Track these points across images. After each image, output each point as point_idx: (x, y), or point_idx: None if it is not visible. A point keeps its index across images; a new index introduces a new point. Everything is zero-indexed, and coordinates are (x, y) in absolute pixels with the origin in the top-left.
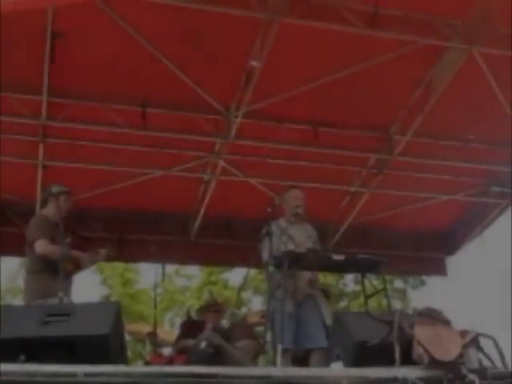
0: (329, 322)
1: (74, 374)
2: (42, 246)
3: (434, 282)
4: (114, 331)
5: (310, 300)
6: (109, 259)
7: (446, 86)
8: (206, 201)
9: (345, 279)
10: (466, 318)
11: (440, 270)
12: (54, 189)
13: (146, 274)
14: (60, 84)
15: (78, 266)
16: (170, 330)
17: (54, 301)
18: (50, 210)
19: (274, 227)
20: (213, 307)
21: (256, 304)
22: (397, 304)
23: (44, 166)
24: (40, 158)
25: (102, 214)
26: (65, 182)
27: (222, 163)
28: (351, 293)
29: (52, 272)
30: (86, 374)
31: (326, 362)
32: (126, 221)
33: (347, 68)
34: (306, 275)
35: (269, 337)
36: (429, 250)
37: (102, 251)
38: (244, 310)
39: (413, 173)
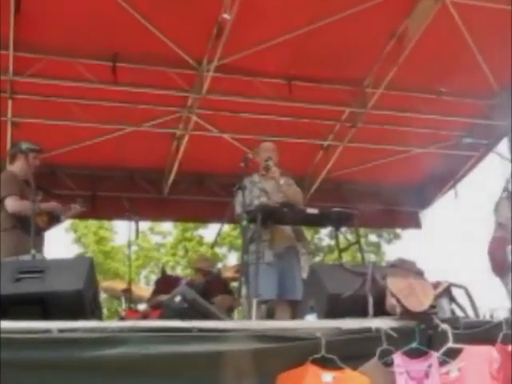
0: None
1: (49, 330)
2: (12, 203)
3: (408, 235)
4: (88, 287)
5: (292, 252)
6: (81, 215)
7: (419, 37)
8: (179, 156)
9: (320, 234)
10: (439, 270)
11: (414, 223)
12: (23, 145)
13: (121, 231)
14: (27, 38)
15: (51, 221)
16: (145, 287)
17: (26, 258)
18: (18, 167)
19: (247, 182)
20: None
21: (231, 260)
22: (371, 258)
23: (13, 123)
24: (9, 115)
25: (74, 171)
26: (35, 138)
27: (194, 118)
28: (326, 247)
29: (23, 229)
30: (60, 330)
31: (300, 314)
32: (98, 178)
33: (320, 20)
34: (286, 226)
35: (244, 291)
36: (403, 203)
37: (74, 206)
38: (220, 265)
39: (386, 126)
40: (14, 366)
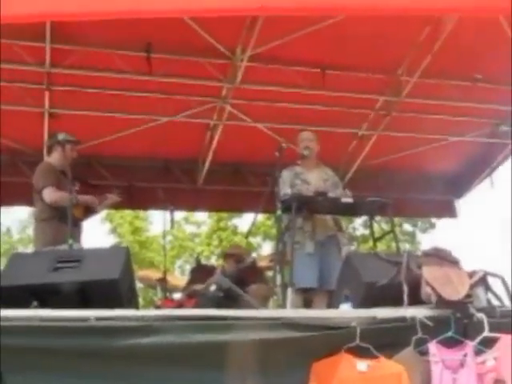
0: None
1: (86, 319)
2: (50, 194)
3: (443, 224)
4: (124, 276)
5: (333, 241)
6: (117, 205)
7: (454, 24)
8: (213, 146)
9: (354, 223)
10: (475, 259)
11: (449, 212)
12: (60, 136)
13: (156, 221)
14: (63, 29)
15: (88, 212)
16: (180, 277)
17: (63, 247)
18: (55, 158)
19: (286, 172)
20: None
21: (266, 250)
22: (406, 247)
23: (50, 114)
24: (46, 106)
25: (109, 162)
26: (72, 129)
27: (228, 108)
28: (361, 236)
29: (61, 219)
30: (98, 318)
31: (335, 303)
32: (134, 168)
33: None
34: (327, 216)
35: (279, 280)
36: (438, 192)
37: (110, 196)
38: (254, 255)
39: (421, 114)
40: (53, 353)
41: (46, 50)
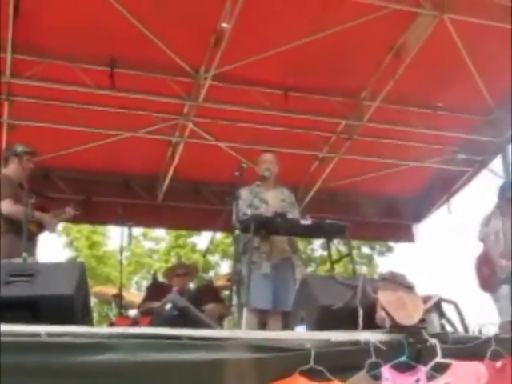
0: None
1: (37, 334)
2: (7, 206)
3: (400, 248)
4: (79, 292)
5: (288, 263)
6: (74, 219)
7: (417, 52)
8: (174, 163)
9: (313, 245)
10: (429, 284)
11: (407, 236)
12: (18, 148)
13: (114, 236)
14: (26, 41)
15: (43, 226)
16: (136, 293)
17: (17, 261)
18: (12, 169)
19: (245, 191)
20: (180, 270)
21: (224, 268)
22: (364, 270)
23: (9, 125)
24: (5, 117)
25: (69, 175)
26: (30, 141)
27: (190, 126)
28: (319, 258)
29: (16, 232)
30: (49, 334)
31: (291, 325)
32: (93, 182)
33: (318, 32)
34: (282, 238)
35: (235, 300)
36: (396, 216)
37: (67, 209)
38: (212, 273)
39: (382, 139)
40: (1, 369)
41: (7, 60)
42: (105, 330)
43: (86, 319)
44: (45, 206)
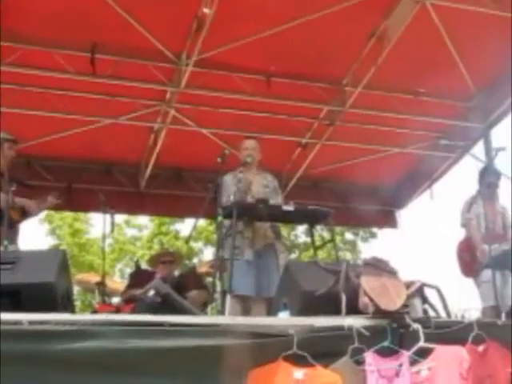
0: None
1: (19, 322)
2: None
3: (384, 234)
4: (60, 279)
5: (271, 249)
6: (56, 207)
7: (399, 38)
8: (157, 150)
9: (296, 231)
10: (412, 270)
11: (390, 222)
12: (4, 137)
13: (97, 224)
14: (5, 27)
15: (24, 214)
16: (119, 281)
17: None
18: None
19: (229, 177)
20: (163, 257)
21: (207, 255)
22: (347, 256)
23: None
24: None
25: (50, 163)
26: (11, 128)
27: (172, 112)
28: (302, 244)
29: None
30: (31, 322)
31: (274, 311)
32: (75, 170)
33: (300, 17)
34: (265, 224)
35: (218, 286)
36: (379, 202)
37: (49, 198)
38: (195, 260)
39: (364, 125)
40: None
41: None
42: (87, 317)
43: (68, 307)
44: (27, 195)
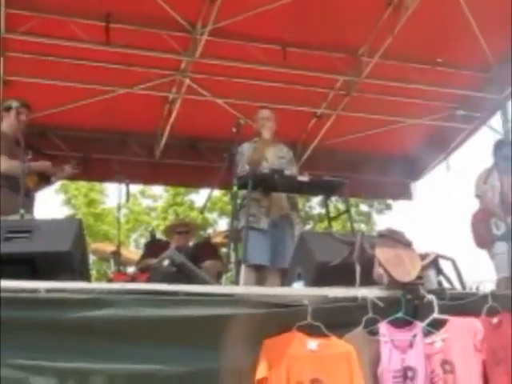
0: None
1: (36, 290)
2: (1, 162)
3: (399, 206)
4: (76, 248)
5: (286, 220)
6: (73, 177)
7: (416, 6)
8: (172, 120)
9: (311, 202)
10: (427, 242)
11: (405, 194)
12: (13, 103)
13: (112, 194)
14: None
15: (41, 182)
16: (134, 250)
17: (14, 218)
18: (7, 125)
19: (245, 147)
20: (178, 228)
21: (222, 226)
22: (362, 228)
23: (5, 81)
24: (1, 73)
25: (65, 133)
26: (27, 97)
27: (187, 82)
28: (317, 215)
29: (11, 188)
30: (48, 290)
31: (288, 282)
32: (90, 139)
33: None
34: (282, 195)
35: (233, 256)
36: (394, 173)
37: (67, 167)
38: (210, 231)
39: (380, 95)
40: (0, 324)
41: (0, 14)
42: (103, 285)
43: (83, 275)
44: None
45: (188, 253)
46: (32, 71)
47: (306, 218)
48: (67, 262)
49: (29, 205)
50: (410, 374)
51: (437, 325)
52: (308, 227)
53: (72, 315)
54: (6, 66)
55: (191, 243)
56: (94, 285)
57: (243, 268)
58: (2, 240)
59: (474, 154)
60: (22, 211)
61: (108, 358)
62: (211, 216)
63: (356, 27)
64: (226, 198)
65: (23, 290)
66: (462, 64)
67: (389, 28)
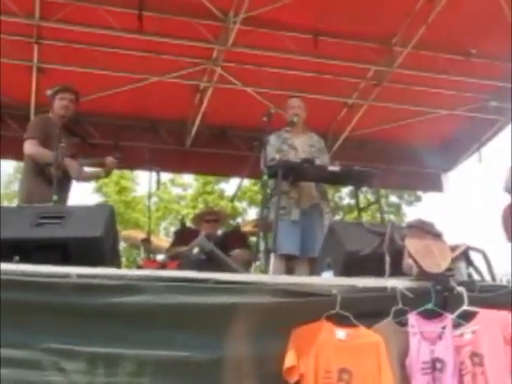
0: None
1: (68, 275)
2: (28, 147)
3: (429, 198)
4: (108, 234)
5: (316, 210)
6: (117, 168)
7: None
8: (203, 109)
9: (341, 192)
10: (458, 233)
11: (436, 185)
12: (55, 88)
13: (142, 182)
14: None
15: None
16: (164, 238)
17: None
18: (53, 111)
19: (274, 137)
20: (208, 216)
21: (251, 215)
22: (391, 219)
23: (39, 69)
24: (35, 60)
25: (97, 120)
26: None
27: (219, 71)
28: (346, 206)
29: (36, 175)
30: (79, 276)
31: (317, 271)
32: (121, 127)
33: None
34: (311, 184)
35: (262, 245)
36: (425, 165)
37: (109, 159)
38: (239, 220)
39: (412, 86)
40: (32, 309)
41: (35, 2)
42: (134, 272)
43: (114, 262)
44: (87, 153)
45: (217, 241)
46: (65, 59)
47: (335, 208)
48: (99, 248)
49: (61, 192)
50: (438, 365)
51: (466, 317)
52: (337, 218)
53: (103, 301)
54: (40, 53)
55: (220, 232)
56: (125, 271)
57: (272, 257)
58: (34, 225)
59: (507, 146)
60: (54, 197)
61: (137, 344)
62: (240, 205)
63: (389, 17)
64: (256, 188)
65: (55, 275)
66: (496, 55)
67: (422, 18)
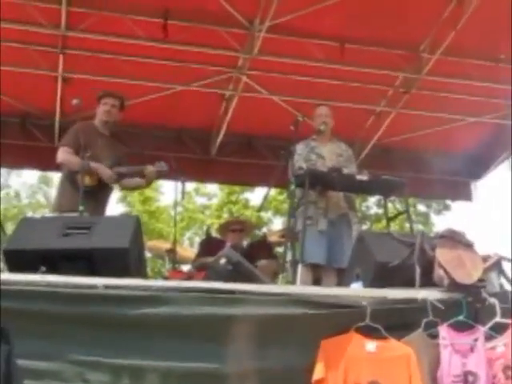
0: None
1: (94, 286)
2: (59, 154)
3: (458, 207)
4: (134, 245)
5: (344, 219)
6: (157, 178)
7: (480, 1)
8: (228, 117)
9: (368, 202)
10: (489, 244)
11: (465, 194)
12: (99, 93)
13: (167, 192)
14: None
15: (99, 183)
16: (189, 249)
17: (74, 214)
18: (97, 118)
19: (301, 146)
20: (233, 226)
21: (276, 225)
22: (420, 228)
23: (64, 78)
24: (60, 70)
25: (122, 128)
26: (85, 95)
27: (244, 79)
28: (374, 215)
29: (69, 182)
30: (106, 286)
31: (346, 282)
32: (146, 136)
33: None
34: (339, 194)
35: (289, 256)
36: (454, 173)
37: (149, 169)
38: (264, 230)
39: (441, 93)
40: (58, 319)
41: (61, 12)
42: (160, 283)
43: (140, 272)
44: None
45: (243, 252)
46: (90, 68)
47: (362, 217)
48: (125, 258)
49: (89, 202)
50: (470, 378)
51: (499, 329)
52: (364, 227)
53: (129, 312)
54: (65, 63)
55: (246, 242)
56: (151, 282)
57: (300, 267)
58: (62, 236)
59: None
60: (81, 208)
61: (163, 356)
62: (266, 215)
63: (417, 23)
64: (281, 197)
65: (81, 286)
66: None
67: (451, 24)
